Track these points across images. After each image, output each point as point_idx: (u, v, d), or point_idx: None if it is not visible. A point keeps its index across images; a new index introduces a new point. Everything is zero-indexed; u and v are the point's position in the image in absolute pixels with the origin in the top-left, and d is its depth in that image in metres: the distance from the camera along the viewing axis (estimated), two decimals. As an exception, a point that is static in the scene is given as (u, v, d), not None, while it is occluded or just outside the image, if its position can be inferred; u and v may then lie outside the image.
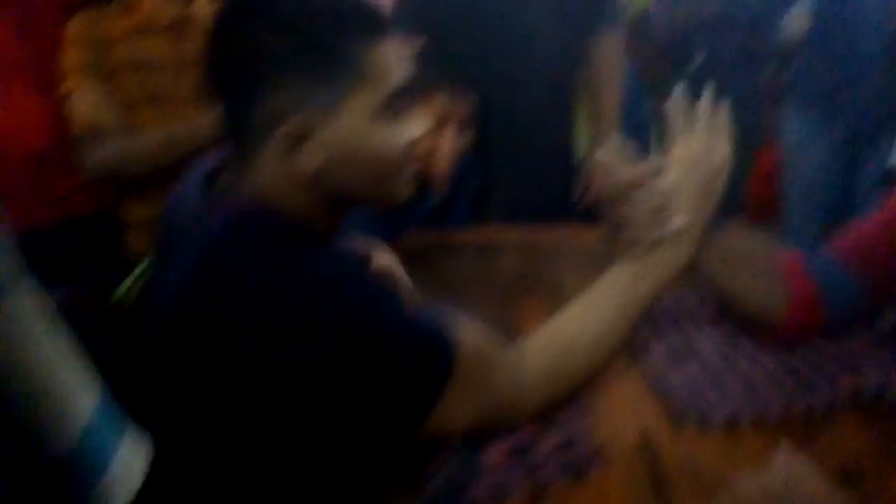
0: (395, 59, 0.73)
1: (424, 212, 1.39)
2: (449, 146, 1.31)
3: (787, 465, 0.75)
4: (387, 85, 0.71)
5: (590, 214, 1.59)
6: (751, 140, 2.32)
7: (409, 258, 1.31)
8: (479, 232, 1.41)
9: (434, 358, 0.68)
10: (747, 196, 2.47)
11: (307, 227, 0.73)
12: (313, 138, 0.69)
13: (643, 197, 0.75)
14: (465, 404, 0.69)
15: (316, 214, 0.73)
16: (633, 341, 0.96)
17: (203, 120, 1.37)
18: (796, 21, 2.12)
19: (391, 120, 0.72)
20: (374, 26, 0.71)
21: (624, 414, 0.86)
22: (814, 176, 1.84)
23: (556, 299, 1.12)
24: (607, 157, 0.77)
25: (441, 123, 1.28)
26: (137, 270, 1.23)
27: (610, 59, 1.63)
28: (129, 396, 0.63)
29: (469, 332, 0.72)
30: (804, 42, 1.86)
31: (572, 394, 0.75)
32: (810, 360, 0.89)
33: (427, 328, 0.69)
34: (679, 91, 0.78)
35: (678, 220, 0.76)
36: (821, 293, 0.88)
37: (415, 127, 0.75)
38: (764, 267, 0.89)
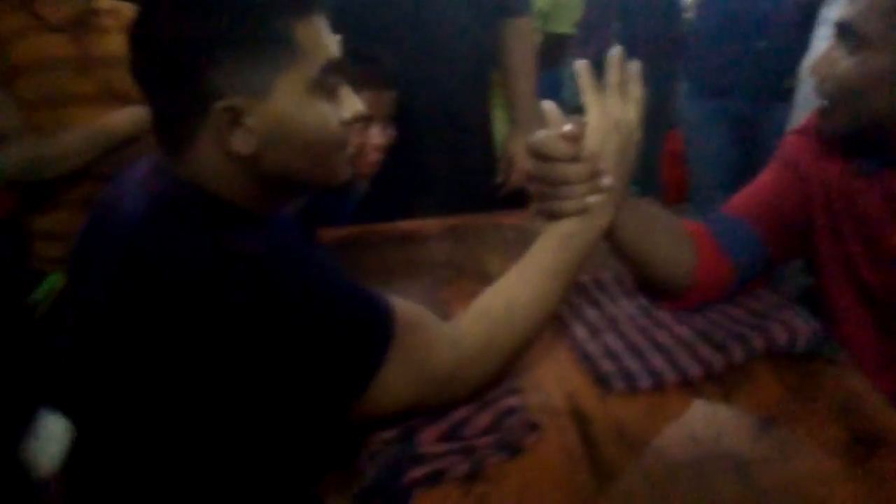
0: (323, 35, 0.72)
1: (350, 206, 1.39)
2: (374, 143, 1.34)
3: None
4: (317, 62, 0.70)
5: (512, 200, 1.62)
6: (660, 123, 2.42)
7: (336, 249, 1.32)
8: (405, 223, 1.42)
9: (372, 329, 0.69)
10: (660, 177, 2.58)
11: (241, 208, 0.71)
12: (247, 119, 0.67)
13: (571, 164, 0.77)
14: (404, 377, 0.69)
15: (253, 197, 0.72)
16: (559, 322, 1.00)
17: (118, 117, 1.33)
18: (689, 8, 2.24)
19: (326, 97, 0.72)
20: (300, 4, 0.70)
21: (553, 385, 0.88)
22: (715, 154, 1.95)
23: (483, 283, 1.15)
24: (534, 136, 0.78)
25: (366, 121, 1.30)
26: (52, 278, 1.19)
27: (523, 42, 1.66)
28: (48, 388, 0.61)
29: (406, 306, 0.73)
30: (694, 27, 1.96)
31: (509, 365, 0.77)
32: (723, 325, 0.94)
33: (365, 300, 0.70)
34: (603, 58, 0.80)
35: (607, 182, 0.78)
36: (726, 251, 0.95)
37: (349, 105, 0.75)
38: (673, 231, 0.94)
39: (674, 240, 0.93)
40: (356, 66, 1.24)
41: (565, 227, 0.78)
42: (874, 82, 0.83)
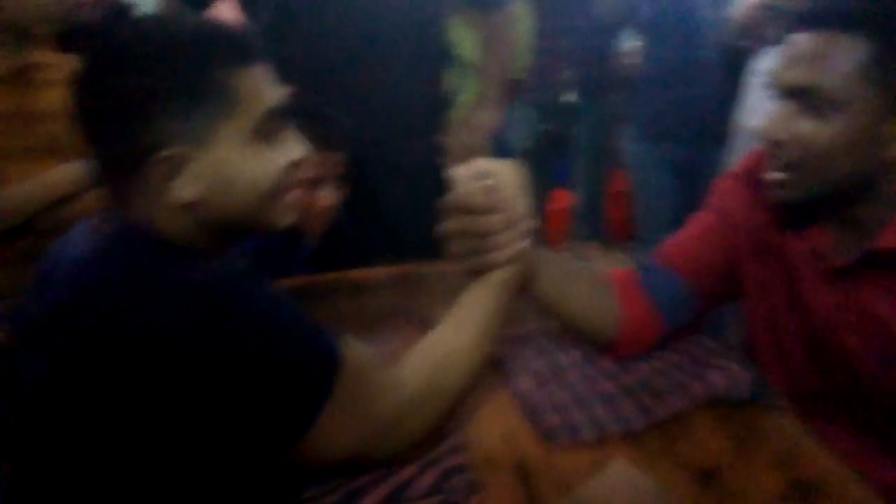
0: (264, 83, 0.74)
1: (300, 259, 1.38)
2: (324, 204, 1.35)
3: (618, 472, 0.80)
4: (258, 109, 0.72)
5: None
6: (604, 164, 2.48)
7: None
8: (353, 272, 1.42)
9: (318, 370, 0.69)
10: (606, 216, 2.62)
11: (190, 249, 0.73)
12: (188, 169, 0.70)
13: (492, 215, 0.79)
14: (346, 421, 0.70)
15: (200, 240, 0.74)
16: (502, 367, 1.00)
17: (58, 173, 1.31)
18: (629, 54, 2.31)
19: (266, 144, 0.74)
20: (240, 53, 0.73)
21: (498, 440, 0.87)
22: (658, 196, 2.00)
23: (429, 326, 1.15)
24: (451, 194, 0.81)
25: (316, 181, 1.32)
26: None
27: (497, 35, 1.73)
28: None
29: (354, 348, 0.73)
30: (638, 72, 2.02)
31: (449, 410, 0.78)
32: (665, 373, 0.95)
33: (314, 338, 0.70)
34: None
35: (529, 226, 0.81)
36: (655, 303, 0.96)
37: (291, 150, 0.77)
38: (592, 283, 0.96)
39: (593, 291, 0.95)
40: (307, 128, 1.26)
41: (497, 275, 0.82)
42: (847, 146, 0.79)
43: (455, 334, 0.80)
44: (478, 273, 0.83)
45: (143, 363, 0.62)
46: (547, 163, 2.55)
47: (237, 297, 0.67)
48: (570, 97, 2.30)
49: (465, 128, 1.71)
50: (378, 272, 1.41)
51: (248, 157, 0.72)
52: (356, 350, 0.74)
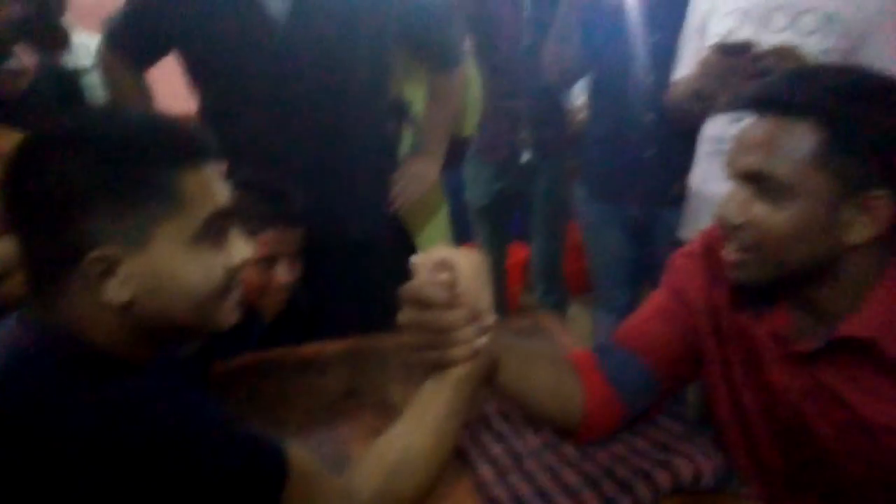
0: (210, 184, 0.71)
1: (252, 341, 1.33)
2: (280, 281, 1.30)
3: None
4: (202, 212, 0.70)
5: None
6: (559, 218, 2.48)
7: (235, 378, 1.24)
8: (303, 348, 1.37)
9: (261, 484, 0.65)
10: (566, 269, 2.61)
11: (113, 356, 0.68)
12: (121, 269, 0.66)
13: (451, 310, 0.75)
14: None
15: (129, 344, 0.69)
16: (462, 455, 0.96)
17: None
18: (581, 110, 2.34)
19: (209, 246, 0.70)
20: (187, 154, 0.69)
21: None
22: (611, 253, 2.00)
23: (383, 410, 1.11)
24: (408, 285, 0.76)
25: (271, 259, 1.28)
26: None
27: (443, 92, 1.75)
28: None
29: (297, 456, 0.69)
30: (587, 133, 2.04)
31: None
32: (627, 460, 0.92)
33: (254, 449, 0.66)
34: None
35: (490, 321, 0.77)
36: (614, 386, 0.94)
37: (235, 252, 0.73)
38: (556, 371, 0.93)
39: (557, 381, 0.92)
40: (263, 204, 1.23)
41: (456, 371, 0.77)
42: (803, 231, 0.79)
43: (412, 435, 0.75)
44: (435, 367, 0.78)
45: (70, 489, 0.58)
46: (504, 220, 2.53)
47: (165, 412, 0.63)
48: (526, 156, 2.30)
49: (403, 176, 1.69)
50: (330, 347, 1.37)
51: (188, 261, 0.69)
52: (302, 459, 0.70)
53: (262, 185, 1.27)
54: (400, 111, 1.82)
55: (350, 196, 1.57)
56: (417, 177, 1.73)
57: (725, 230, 0.84)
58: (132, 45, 1.54)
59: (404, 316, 0.76)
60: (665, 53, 1.73)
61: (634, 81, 1.79)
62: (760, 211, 0.80)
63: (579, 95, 2.64)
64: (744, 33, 1.43)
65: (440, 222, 2.03)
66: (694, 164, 1.62)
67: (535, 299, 2.77)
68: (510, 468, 0.93)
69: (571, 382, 0.93)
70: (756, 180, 0.80)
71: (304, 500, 0.67)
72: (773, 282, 0.84)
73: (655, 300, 1.01)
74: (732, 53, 1.33)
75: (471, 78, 2.07)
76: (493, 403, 1.07)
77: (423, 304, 0.74)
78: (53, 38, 1.69)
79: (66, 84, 1.71)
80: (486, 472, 0.93)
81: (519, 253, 3.10)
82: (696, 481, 0.88)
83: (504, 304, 2.66)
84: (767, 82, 0.84)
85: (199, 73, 1.51)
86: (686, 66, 1.60)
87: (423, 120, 1.80)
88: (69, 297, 0.67)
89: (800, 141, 0.77)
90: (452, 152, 2.12)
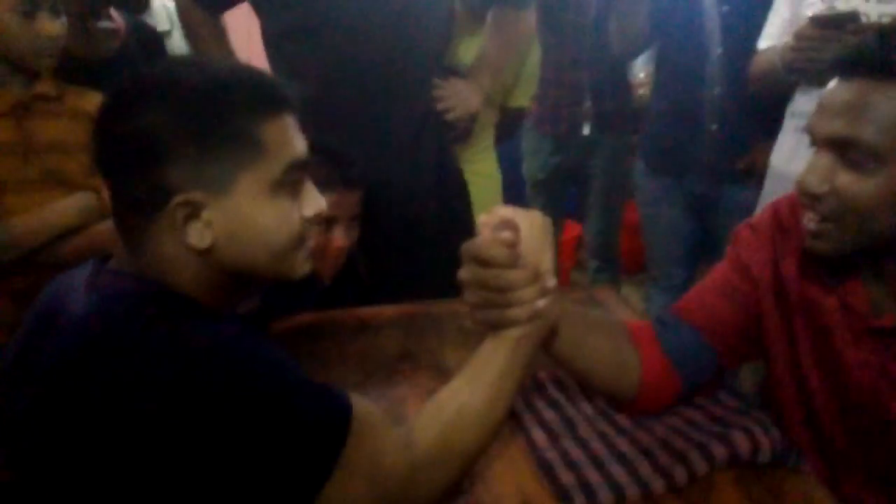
0: (290, 135, 0.73)
1: (310, 302, 1.37)
2: (337, 245, 1.32)
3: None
4: (281, 161, 0.72)
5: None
6: (618, 196, 2.44)
7: (293, 337, 1.27)
8: (360, 310, 1.39)
9: (326, 428, 0.67)
10: (621, 248, 2.59)
11: (196, 301, 0.71)
12: (205, 214, 0.69)
13: (513, 270, 0.75)
14: (358, 480, 0.67)
15: (210, 289, 0.72)
16: (515, 418, 0.97)
17: (62, 206, 1.29)
18: (643, 84, 2.29)
19: (287, 195, 0.73)
20: (269, 103, 0.72)
21: (510, 497, 0.84)
22: (669, 230, 1.96)
23: (438, 373, 1.13)
24: (470, 243, 0.76)
25: (330, 222, 1.29)
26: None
27: (504, 29, 1.70)
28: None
29: (361, 406, 0.71)
30: (648, 107, 1.99)
31: (464, 468, 0.75)
32: (683, 432, 0.91)
33: (319, 400, 0.68)
34: None
35: (551, 284, 0.77)
36: (672, 360, 0.92)
37: (310, 204, 0.76)
38: (614, 341, 0.92)
39: (615, 350, 0.91)
40: (323, 167, 1.24)
41: (514, 332, 0.77)
42: (889, 201, 0.76)
43: (469, 392, 0.76)
44: (494, 327, 0.78)
45: (151, 426, 0.60)
46: (559, 195, 2.51)
47: (241, 361, 0.65)
48: (585, 130, 2.27)
49: (444, 88, 1.65)
50: (386, 311, 1.38)
51: (266, 209, 0.71)
52: (365, 408, 0.72)
53: (323, 147, 1.28)
54: (450, 74, 1.80)
55: (407, 161, 1.57)
56: (458, 94, 1.66)
57: (806, 199, 0.81)
58: None
59: (465, 273, 0.76)
60: (734, 25, 1.69)
61: (701, 53, 1.75)
62: (845, 179, 0.77)
63: (641, 69, 2.59)
64: (848, 2, 1.33)
65: (494, 194, 2.02)
66: (778, 140, 1.56)
67: (586, 276, 2.75)
68: (563, 433, 0.93)
69: (629, 353, 0.92)
70: (841, 147, 0.77)
71: (366, 447, 0.69)
72: (852, 253, 0.81)
73: (718, 273, 0.99)
74: (833, 25, 1.24)
75: (531, 49, 2.04)
76: (546, 371, 1.07)
77: (485, 262, 0.74)
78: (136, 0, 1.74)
79: (153, 45, 1.75)
80: (538, 435, 0.93)
81: (571, 230, 3.08)
82: (754, 455, 0.86)
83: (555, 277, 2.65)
84: (856, 42, 0.80)
85: (271, 24, 1.53)
86: (773, 35, 1.52)
87: (477, 56, 1.76)
88: (155, 241, 0.70)
89: (891, 104, 0.73)
90: (506, 124, 2.11)
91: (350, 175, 1.33)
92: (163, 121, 0.68)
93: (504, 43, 1.74)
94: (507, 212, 0.77)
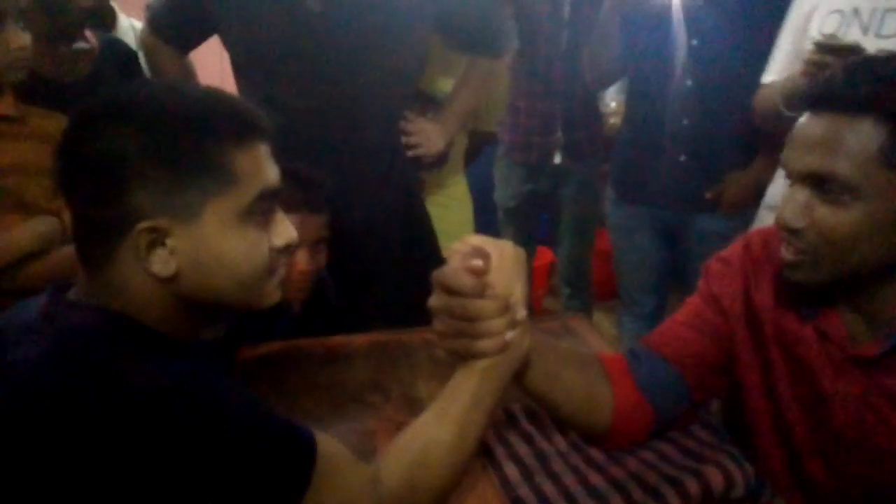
0: (262, 163, 0.72)
1: (280, 328, 1.34)
2: (301, 269, 1.30)
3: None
4: (252, 190, 0.70)
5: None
6: (590, 224, 2.46)
7: (259, 366, 1.24)
8: (329, 339, 1.36)
9: (291, 465, 0.65)
10: (593, 275, 2.60)
11: (159, 332, 0.69)
12: (170, 241, 0.67)
13: (482, 300, 0.74)
14: None
15: (173, 320, 0.70)
16: (487, 453, 0.95)
17: (22, 231, 1.26)
18: (614, 114, 2.32)
19: (256, 226, 0.71)
20: (242, 131, 0.70)
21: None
22: (639, 258, 1.98)
23: (410, 405, 1.10)
24: (439, 270, 0.75)
25: (296, 245, 1.27)
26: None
27: (475, 71, 1.71)
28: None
29: (325, 441, 0.69)
30: (618, 136, 2.01)
31: None
32: (657, 467, 0.90)
33: (282, 436, 0.66)
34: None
35: (522, 315, 0.76)
36: (645, 393, 0.92)
37: (280, 234, 0.74)
38: (587, 374, 0.91)
39: (588, 384, 0.91)
40: (286, 189, 1.22)
41: (484, 363, 0.76)
42: (868, 232, 0.76)
43: (436, 427, 0.75)
44: (463, 358, 0.77)
45: (110, 469, 0.58)
46: (531, 222, 2.52)
47: (206, 401, 0.63)
48: (556, 158, 2.29)
49: (413, 127, 1.66)
50: (357, 340, 1.36)
51: (235, 238, 0.70)
52: (331, 446, 0.71)
53: (288, 169, 1.26)
54: (428, 102, 1.80)
55: (374, 191, 1.57)
56: (423, 133, 1.67)
57: (784, 233, 0.82)
58: (174, 28, 1.56)
59: (434, 301, 0.75)
60: (703, 58, 1.71)
61: (671, 85, 1.77)
62: (822, 213, 0.78)
63: (613, 99, 2.62)
64: (850, 35, 1.34)
65: (465, 218, 2.02)
66: (776, 178, 1.55)
67: (558, 303, 2.75)
68: (535, 468, 0.92)
69: (602, 387, 0.91)
70: (817, 181, 0.77)
71: (332, 484, 0.67)
72: (830, 283, 0.82)
73: (690, 306, 0.99)
74: (836, 53, 1.24)
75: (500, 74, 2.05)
76: (519, 403, 1.06)
77: (453, 290, 0.73)
78: (104, 18, 1.72)
79: (128, 65, 1.72)
80: (511, 471, 0.92)
81: (544, 256, 3.09)
82: (728, 490, 0.86)
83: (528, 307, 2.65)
84: (823, 78, 0.80)
85: (238, 55, 1.52)
86: (776, 70, 1.53)
87: (449, 96, 1.77)
88: (117, 268, 0.68)
89: (862, 138, 0.74)
90: (474, 147, 2.12)
91: (315, 198, 1.31)
92: (132, 143, 0.66)
93: (474, 90, 1.75)
94: (478, 240, 0.76)
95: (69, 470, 0.58)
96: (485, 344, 0.74)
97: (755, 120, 1.61)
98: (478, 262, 0.73)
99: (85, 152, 0.67)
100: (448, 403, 0.76)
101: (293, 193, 1.24)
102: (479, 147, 2.17)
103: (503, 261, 0.75)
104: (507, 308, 0.74)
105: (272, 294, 0.76)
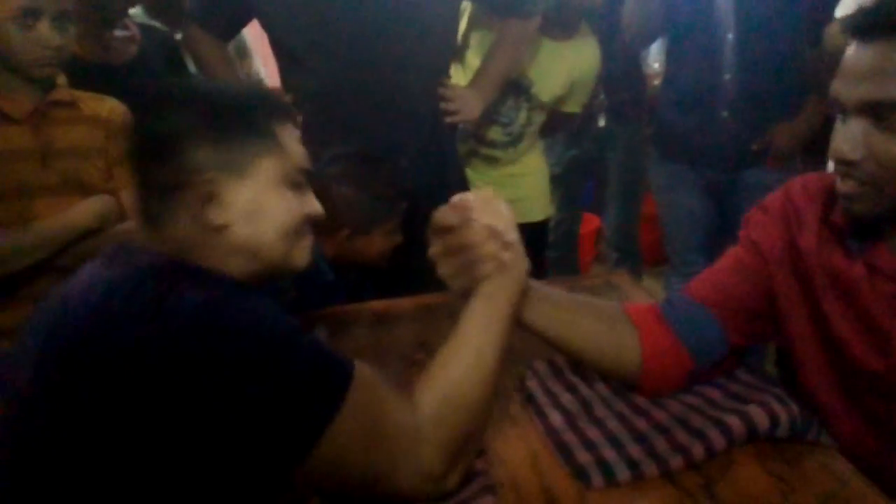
0: (295, 142, 0.84)
1: (342, 294, 1.41)
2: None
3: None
4: (293, 160, 0.82)
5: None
6: (636, 188, 2.43)
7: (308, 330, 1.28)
8: (376, 303, 1.40)
9: (328, 379, 0.69)
10: (640, 239, 2.57)
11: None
12: (223, 195, 0.76)
13: (468, 229, 0.82)
14: (358, 437, 0.69)
15: (227, 269, 0.77)
16: (532, 402, 0.97)
17: (79, 210, 1.32)
18: (656, 76, 2.27)
19: (293, 191, 0.82)
20: (279, 109, 0.83)
21: (529, 478, 0.84)
22: (685, 216, 1.95)
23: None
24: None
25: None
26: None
27: (508, 36, 1.72)
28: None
29: (368, 370, 0.74)
30: (660, 95, 1.98)
31: (465, 431, 0.76)
32: (701, 410, 0.90)
33: (323, 353, 0.71)
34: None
35: (510, 237, 0.83)
36: (679, 336, 0.92)
37: (312, 205, 0.85)
38: (603, 319, 0.93)
39: (609, 329, 0.92)
40: (367, 173, 1.40)
41: (486, 286, 0.83)
42: None
43: (460, 353, 0.79)
44: (470, 291, 0.83)
45: (155, 377, 0.63)
46: (577, 188, 2.51)
47: (239, 315, 0.67)
48: (600, 122, 2.26)
49: (451, 94, 1.67)
50: (403, 302, 1.39)
51: (277, 197, 0.80)
52: (372, 374, 0.74)
53: (364, 154, 1.43)
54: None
55: (416, 163, 1.59)
56: (461, 100, 1.68)
57: (841, 167, 0.80)
58: (215, 16, 1.60)
59: (434, 248, 0.84)
60: (746, 11, 1.67)
61: (713, 40, 1.74)
62: (881, 142, 0.76)
63: (656, 60, 2.57)
64: None
65: (542, 185, 2.12)
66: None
67: (606, 270, 2.73)
68: (579, 414, 0.93)
69: (626, 332, 0.92)
70: (872, 110, 0.76)
71: (369, 402, 0.70)
72: (885, 215, 0.80)
73: (730, 254, 0.98)
74: None
75: (589, 53, 2.02)
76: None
77: (442, 228, 0.82)
78: (177, 14, 1.79)
79: (171, 50, 1.79)
80: (555, 418, 0.93)
81: (590, 223, 3.07)
82: (772, 430, 0.86)
83: (577, 273, 2.64)
84: (867, 4, 0.78)
85: (278, 34, 1.55)
86: (848, 4, 1.50)
87: (482, 62, 1.78)
88: (174, 221, 0.76)
89: None
90: (552, 124, 2.10)
91: (393, 179, 1.43)
92: (189, 113, 0.77)
93: (508, 53, 1.75)
94: (460, 195, 0.85)
95: (127, 379, 0.63)
96: (480, 268, 0.82)
97: (822, 58, 1.55)
98: (456, 197, 0.84)
99: (154, 124, 0.78)
100: (462, 330, 0.81)
101: (372, 177, 1.39)
102: (555, 126, 2.16)
103: (483, 199, 0.84)
104: (495, 233, 0.82)
105: (304, 255, 0.85)
